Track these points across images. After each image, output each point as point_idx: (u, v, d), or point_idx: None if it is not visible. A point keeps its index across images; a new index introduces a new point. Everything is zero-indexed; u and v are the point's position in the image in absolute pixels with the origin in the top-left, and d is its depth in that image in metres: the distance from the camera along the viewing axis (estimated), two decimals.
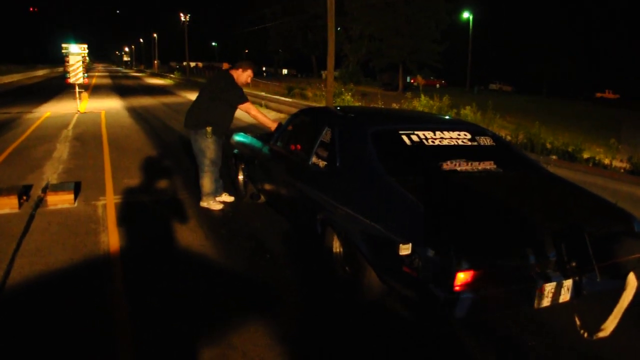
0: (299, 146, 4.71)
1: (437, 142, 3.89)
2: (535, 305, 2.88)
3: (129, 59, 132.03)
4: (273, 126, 5.62)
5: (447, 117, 5.36)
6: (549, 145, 10.90)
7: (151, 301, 3.59)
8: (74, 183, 6.37)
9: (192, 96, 21.98)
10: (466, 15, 45.78)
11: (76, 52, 15.76)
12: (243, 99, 5.65)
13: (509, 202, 3.22)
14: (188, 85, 36.81)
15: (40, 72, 55.34)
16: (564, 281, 2.88)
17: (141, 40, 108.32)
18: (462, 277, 2.65)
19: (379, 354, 3.04)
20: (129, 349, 3.01)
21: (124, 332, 3.18)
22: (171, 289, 3.78)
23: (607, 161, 9.91)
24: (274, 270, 4.17)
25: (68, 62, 15.72)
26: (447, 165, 3.62)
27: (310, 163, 4.25)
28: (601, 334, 2.59)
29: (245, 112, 5.74)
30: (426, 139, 3.88)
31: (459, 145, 3.93)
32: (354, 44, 46.57)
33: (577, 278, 2.80)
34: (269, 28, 57.25)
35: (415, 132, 3.91)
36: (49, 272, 4.01)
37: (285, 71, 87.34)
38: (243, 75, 5.69)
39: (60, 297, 3.62)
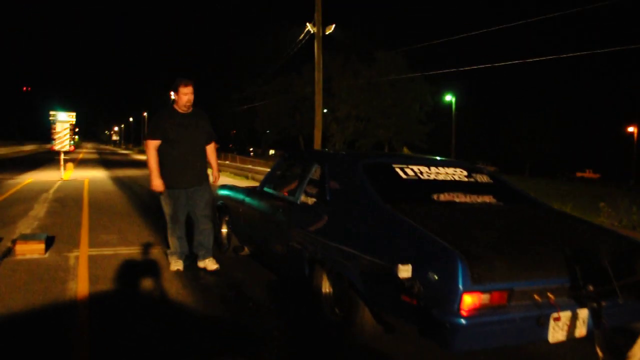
0: (285, 191, 4.49)
1: (432, 177, 3.70)
2: (550, 338, 2.57)
3: (117, 138, 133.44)
4: (155, 181, 4.81)
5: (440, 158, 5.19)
6: None
7: (118, 349, 3.20)
8: (47, 235, 6.01)
9: None
10: (448, 98, 47.35)
11: (64, 120, 15.70)
12: (147, 135, 4.88)
13: (513, 229, 2.99)
14: None
15: (28, 148, 55.30)
16: (578, 310, 2.60)
17: (131, 119, 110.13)
18: (469, 300, 2.36)
19: None
20: None
21: None
22: (141, 337, 3.38)
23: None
24: (257, 318, 3.80)
25: (55, 129, 15.63)
26: (445, 197, 3.40)
27: (298, 203, 4.01)
28: None
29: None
30: (421, 173, 3.70)
31: (455, 180, 3.74)
32: (340, 124, 47.64)
33: (595, 305, 2.51)
34: (257, 108, 58.54)
35: (410, 166, 3.73)
36: (7, 316, 3.61)
37: (272, 152, 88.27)
38: (180, 98, 4.77)
39: (18, 342, 3.21)
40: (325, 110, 42.71)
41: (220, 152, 54.23)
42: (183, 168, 4.83)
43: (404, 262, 2.50)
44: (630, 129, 54.10)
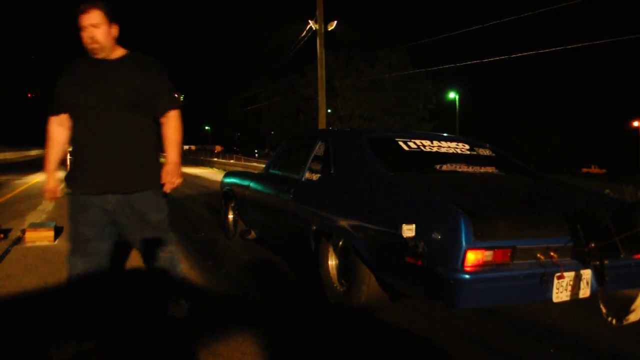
0: (290, 171, 4.55)
1: (435, 150, 3.74)
2: (554, 297, 2.61)
3: None
4: (47, 183, 2.76)
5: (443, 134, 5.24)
6: None
7: (130, 323, 3.26)
8: (55, 223, 6.07)
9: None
10: (452, 95, 47.36)
11: None
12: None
13: (515, 193, 3.03)
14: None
15: (34, 152, 55.70)
16: (582, 271, 2.64)
17: None
18: (472, 257, 2.40)
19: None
20: None
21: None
22: (151, 312, 3.44)
23: None
24: (265, 294, 3.87)
25: None
26: (447, 167, 3.45)
27: (303, 180, 4.06)
28: (632, 317, 2.32)
29: None
30: (424, 146, 3.74)
31: (458, 153, 3.78)
32: (344, 123, 47.66)
33: (597, 262, 2.55)
34: (261, 110, 58.75)
35: (413, 140, 3.78)
36: (22, 293, 3.68)
37: None
38: (82, 36, 2.62)
39: (28, 316, 3.28)
40: (329, 110, 42.80)
41: (225, 154, 54.41)
42: (90, 156, 2.64)
43: (409, 220, 2.55)
44: (636, 123, 53.91)
